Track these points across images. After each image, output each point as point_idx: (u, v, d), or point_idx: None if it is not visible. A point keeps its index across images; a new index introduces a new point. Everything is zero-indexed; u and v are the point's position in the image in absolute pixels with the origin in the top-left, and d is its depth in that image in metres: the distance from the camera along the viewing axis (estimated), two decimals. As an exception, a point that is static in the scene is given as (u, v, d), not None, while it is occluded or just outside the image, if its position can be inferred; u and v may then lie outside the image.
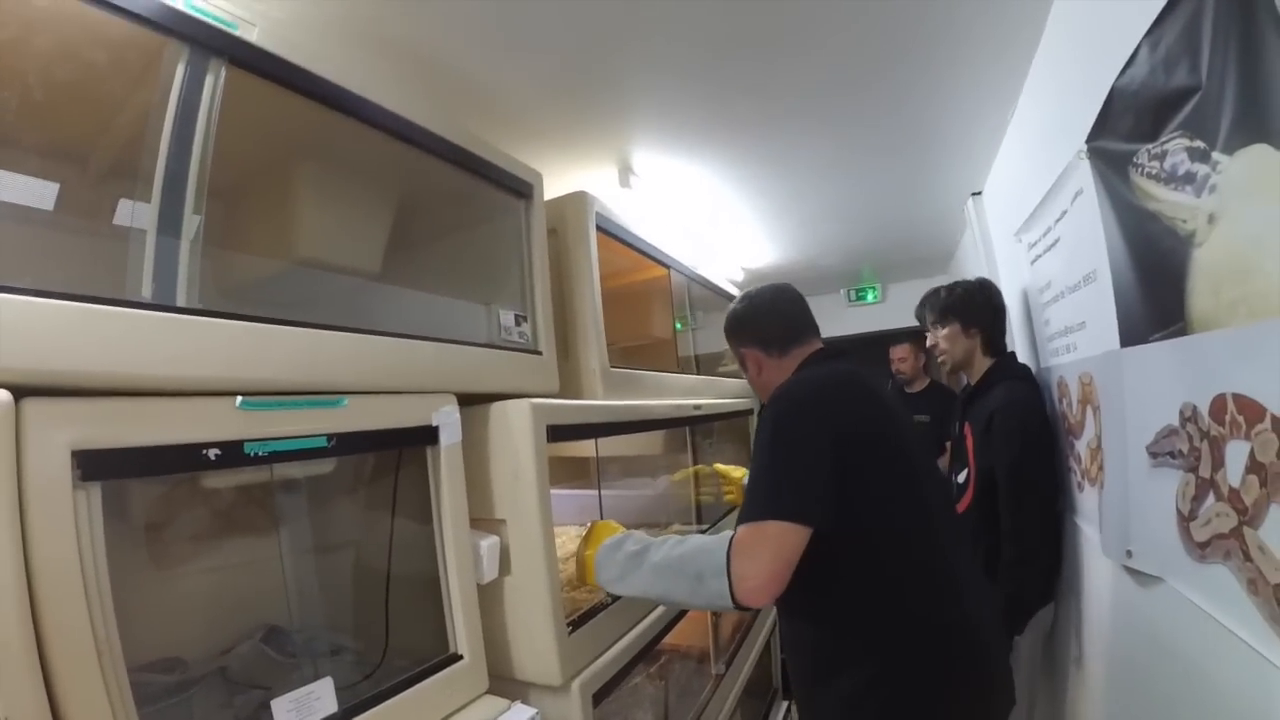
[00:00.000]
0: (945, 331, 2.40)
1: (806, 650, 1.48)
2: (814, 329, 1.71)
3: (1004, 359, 2.36)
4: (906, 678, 1.31)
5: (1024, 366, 2.37)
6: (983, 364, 2.36)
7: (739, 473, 2.48)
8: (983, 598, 1.44)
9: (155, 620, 1.23)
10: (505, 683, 1.47)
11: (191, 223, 0.99)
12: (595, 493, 2.28)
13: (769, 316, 1.72)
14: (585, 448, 1.99)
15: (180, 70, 0.99)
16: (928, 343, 2.51)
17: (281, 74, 1.13)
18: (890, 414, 1.47)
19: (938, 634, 1.32)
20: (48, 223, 0.98)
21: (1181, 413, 1.18)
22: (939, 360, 2.51)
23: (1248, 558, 0.98)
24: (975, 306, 2.36)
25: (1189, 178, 1.07)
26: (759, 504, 1.28)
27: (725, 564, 1.25)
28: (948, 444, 3.15)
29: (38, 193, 0.94)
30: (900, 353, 4.13)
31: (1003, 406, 2.14)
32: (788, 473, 1.31)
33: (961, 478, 2.35)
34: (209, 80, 1.02)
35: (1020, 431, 2.10)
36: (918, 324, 2.63)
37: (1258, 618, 0.96)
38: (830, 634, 1.40)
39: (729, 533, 1.31)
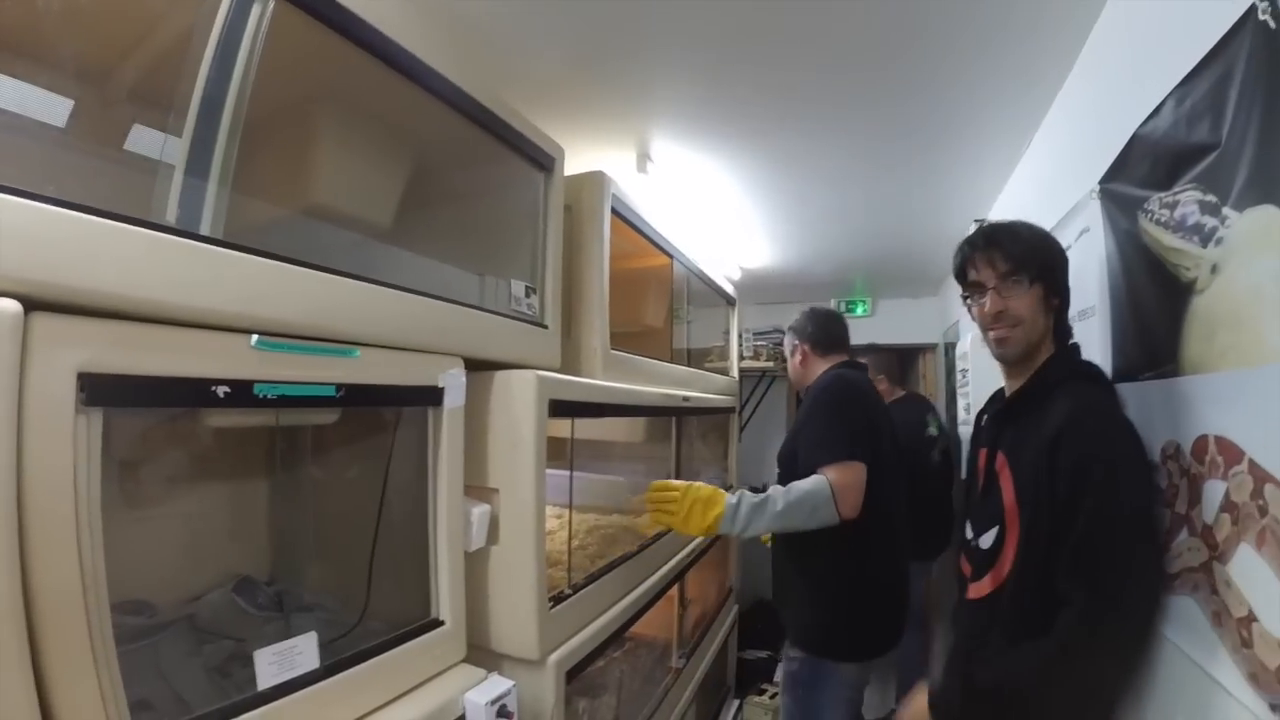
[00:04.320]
0: (1025, 294, 1.39)
1: (802, 561, 2.16)
2: (847, 348, 2.44)
3: (1067, 351, 1.45)
4: (844, 597, 2.07)
5: (1090, 364, 1.44)
6: (1040, 356, 1.44)
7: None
8: (906, 553, 2.24)
9: (125, 560, 1.18)
10: (480, 652, 1.48)
11: (223, 153, 0.97)
12: (578, 474, 2.31)
13: (827, 328, 2.41)
14: (563, 427, 1.95)
15: None
16: (988, 307, 1.42)
17: (328, 13, 1.11)
18: (879, 411, 2.21)
19: (878, 570, 2.10)
20: (61, 142, 0.95)
21: (1164, 450, 1.23)
22: (996, 338, 1.45)
23: (1214, 591, 1.03)
24: (1061, 266, 1.45)
25: (1197, 228, 1.11)
26: (842, 449, 1.95)
27: (831, 496, 1.87)
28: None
29: (50, 107, 0.90)
30: None
31: (1079, 415, 1.27)
32: (853, 429, 2.00)
33: (988, 540, 1.42)
34: (255, 10, 1.00)
35: (1116, 455, 1.23)
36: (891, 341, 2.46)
37: (1221, 650, 1.01)
38: (802, 553, 2.13)
39: (818, 477, 1.90)
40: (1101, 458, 1.21)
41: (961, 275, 1.51)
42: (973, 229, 2.80)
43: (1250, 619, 0.94)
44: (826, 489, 1.87)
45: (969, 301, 1.50)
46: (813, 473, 1.93)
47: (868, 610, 2.08)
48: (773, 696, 3.63)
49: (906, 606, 2.24)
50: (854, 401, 2.10)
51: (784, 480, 2.01)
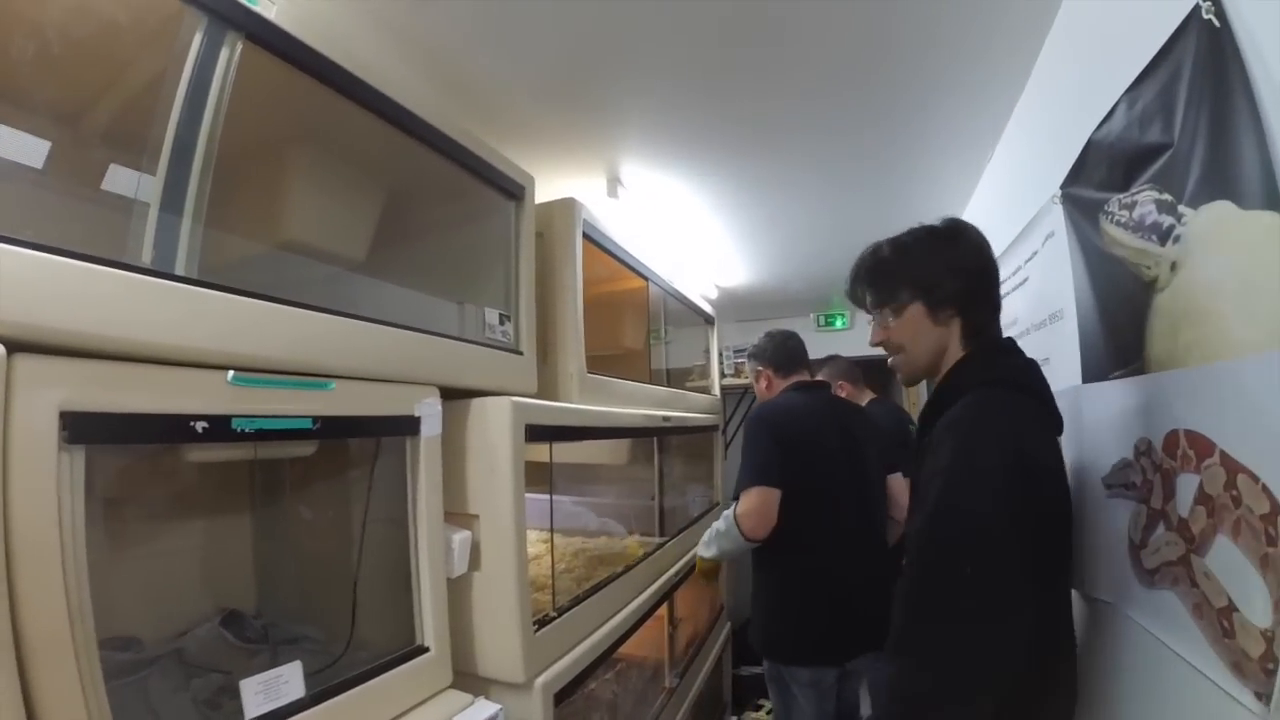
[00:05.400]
0: (902, 320, 1.37)
1: (756, 573, 2.36)
2: (806, 365, 2.60)
3: (977, 355, 1.33)
4: (791, 606, 2.23)
5: (1015, 366, 1.33)
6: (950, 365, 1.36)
7: None
8: (871, 563, 2.21)
9: (112, 596, 1.20)
10: (467, 678, 1.48)
11: (196, 192, 0.99)
12: (563, 498, 2.31)
13: (783, 351, 2.58)
14: (545, 452, 1.92)
15: (197, 41, 1.00)
16: (870, 337, 1.46)
17: (296, 55, 1.14)
18: (817, 430, 2.29)
19: (820, 580, 2.18)
20: (39, 183, 0.95)
21: (1136, 447, 1.24)
22: (890, 364, 1.45)
23: (1194, 584, 1.04)
24: (950, 272, 1.33)
25: (1156, 227, 1.13)
26: (746, 477, 2.17)
27: (734, 521, 2.18)
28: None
29: (27, 149, 0.91)
30: None
31: (946, 424, 1.24)
32: (761, 457, 2.18)
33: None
34: (224, 54, 1.02)
35: (959, 472, 1.17)
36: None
37: (1202, 640, 1.01)
38: (757, 566, 2.33)
39: (731, 508, 2.22)
40: (944, 475, 1.17)
41: (858, 300, 1.48)
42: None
43: (1230, 609, 0.95)
44: (731, 516, 2.22)
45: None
46: None
47: (808, 618, 2.19)
48: (769, 712, 3.62)
49: (876, 615, 2.08)
50: (768, 428, 2.24)
51: None
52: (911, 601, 1.17)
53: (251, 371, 1.04)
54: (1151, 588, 1.19)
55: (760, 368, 2.62)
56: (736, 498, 2.24)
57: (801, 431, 2.25)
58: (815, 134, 2.31)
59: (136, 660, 1.21)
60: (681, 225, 3.22)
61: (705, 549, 2.39)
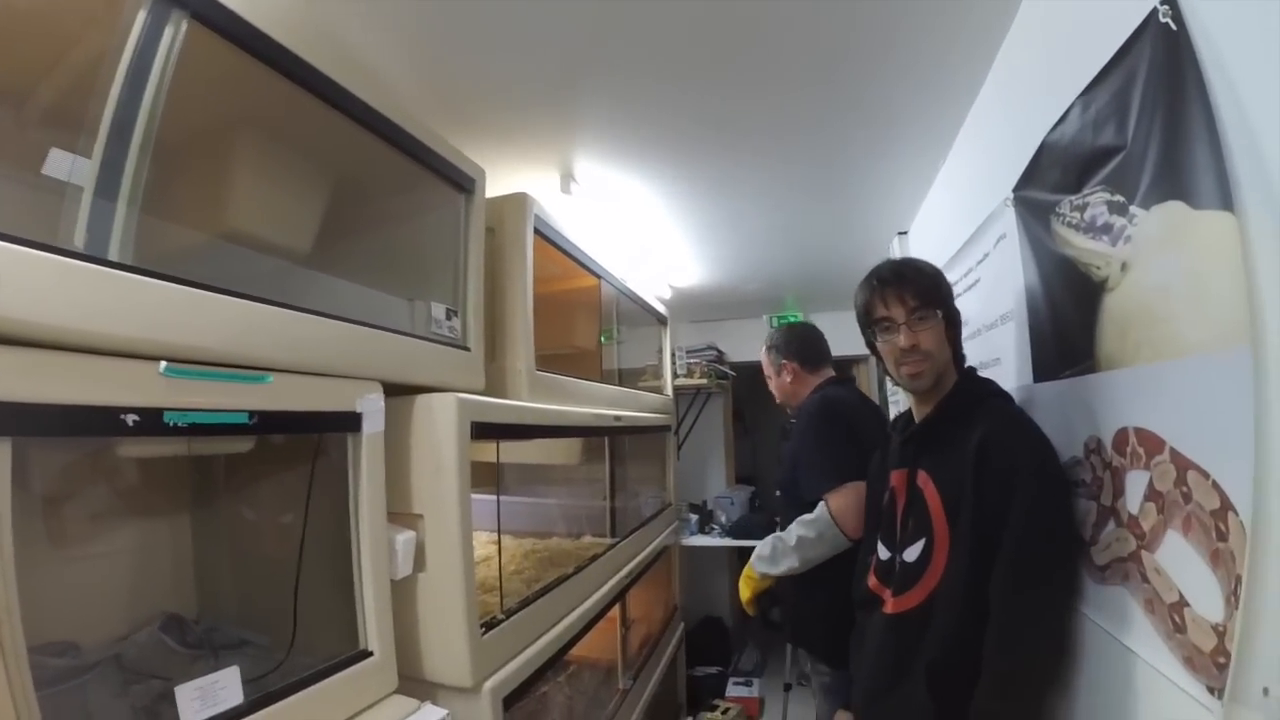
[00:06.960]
0: (934, 328, 1.49)
1: (800, 602, 2.24)
2: (831, 359, 2.51)
3: (970, 373, 1.59)
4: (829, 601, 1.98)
5: (994, 382, 1.56)
6: (949, 382, 1.54)
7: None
8: None
9: (47, 601, 1.18)
10: (413, 683, 1.44)
11: (132, 176, 0.96)
12: (513, 499, 2.28)
13: (810, 344, 2.48)
14: (494, 451, 1.91)
15: (141, 17, 0.96)
16: (901, 341, 1.48)
17: (242, 36, 1.10)
18: (874, 429, 2.17)
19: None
20: None
21: (1086, 445, 1.26)
22: (910, 373, 1.51)
23: (1145, 579, 1.05)
24: (952, 296, 1.59)
25: (1107, 228, 1.14)
26: (835, 474, 2.02)
27: (832, 521, 1.98)
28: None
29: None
30: None
31: (1000, 429, 1.38)
32: (842, 451, 2.06)
33: (914, 552, 1.47)
34: (168, 32, 0.99)
35: (1042, 464, 1.33)
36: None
37: (1154, 635, 1.03)
38: (806, 590, 2.16)
39: (820, 505, 2.03)
40: (1029, 468, 1.30)
41: (867, 312, 1.56)
42: (896, 242, 2.81)
43: (1181, 604, 0.95)
44: (827, 515, 2.01)
45: (877, 337, 1.55)
46: (817, 502, 2.06)
47: None
48: (725, 712, 3.63)
49: None
50: (839, 421, 2.18)
51: (788, 506, 2.24)
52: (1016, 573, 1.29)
53: (185, 363, 0.99)
54: (1103, 584, 1.21)
55: (784, 360, 2.49)
56: (811, 501, 2.10)
57: (864, 429, 2.17)
58: (771, 134, 2.31)
59: (73, 667, 1.17)
60: (636, 223, 3.19)
61: (772, 565, 2.17)
